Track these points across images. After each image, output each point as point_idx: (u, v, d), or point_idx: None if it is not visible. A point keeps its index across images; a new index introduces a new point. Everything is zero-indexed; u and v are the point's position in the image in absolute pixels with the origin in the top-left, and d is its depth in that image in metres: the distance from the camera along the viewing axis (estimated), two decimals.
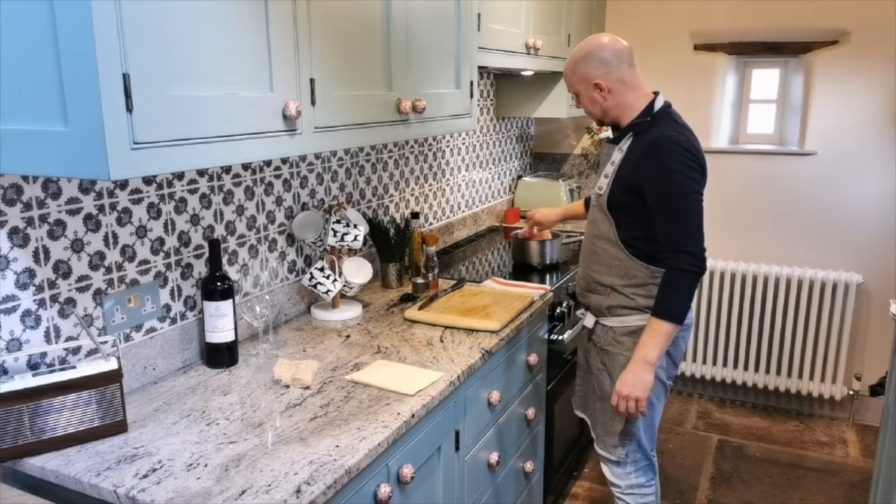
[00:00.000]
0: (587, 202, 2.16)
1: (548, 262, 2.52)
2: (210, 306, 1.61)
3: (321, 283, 1.93)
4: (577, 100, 1.88)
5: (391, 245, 2.27)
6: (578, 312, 2.07)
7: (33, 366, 1.35)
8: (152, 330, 1.58)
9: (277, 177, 1.93)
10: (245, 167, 1.82)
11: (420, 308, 2.01)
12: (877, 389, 2.43)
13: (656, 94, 1.81)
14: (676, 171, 1.69)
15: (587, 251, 1.92)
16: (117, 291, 1.50)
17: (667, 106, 1.81)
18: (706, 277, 3.45)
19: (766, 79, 3.43)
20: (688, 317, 1.83)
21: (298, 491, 1.13)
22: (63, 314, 1.40)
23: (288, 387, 1.53)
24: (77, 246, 1.41)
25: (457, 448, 1.67)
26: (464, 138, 2.98)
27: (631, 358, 1.77)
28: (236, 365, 1.66)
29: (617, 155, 1.80)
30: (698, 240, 1.70)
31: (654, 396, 1.86)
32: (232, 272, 1.80)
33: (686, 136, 1.73)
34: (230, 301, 1.63)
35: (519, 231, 2.45)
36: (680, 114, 1.82)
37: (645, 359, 1.73)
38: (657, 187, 1.71)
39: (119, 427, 1.30)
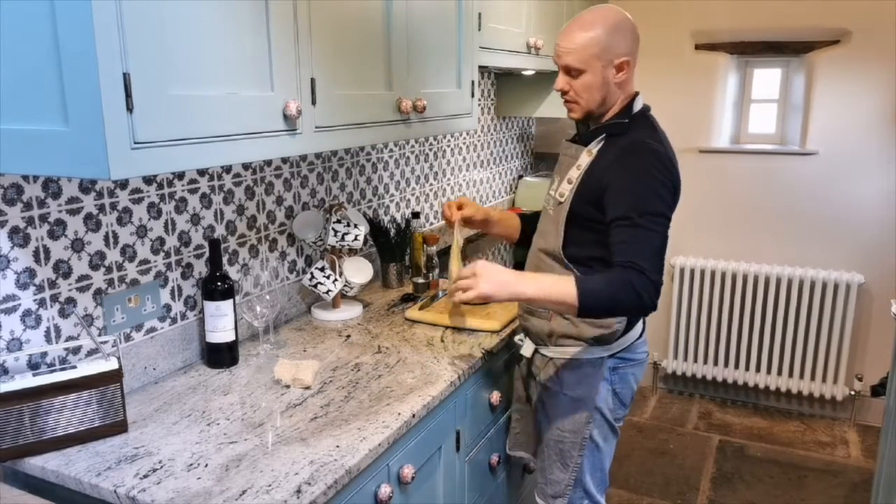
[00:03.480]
0: (525, 219, 1.89)
1: None
2: (210, 306, 1.61)
3: (322, 283, 1.93)
4: (567, 79, 1.56)
5: (392, 245, 2.27)
6: (517, 338, 1.83)
7: (34, 366, 1.35)
8: (153, 330, 1.58)
9: (278, 176, 1.93)
10: (245, 167, 1.82)
11: (421, 308, 2.01)
12: (878, 390, 2.43)
13: (636, 93, 1.62)
14: (650, 186, 1.47)
15: (531, 266, 1.70)
16: (117, 291, 1.50)
17: (646, 108, 1.61)
18: (708, 276, 3.45)
19: (767, 78, 3.43)
20: (642, 352, 1.71)
21: (299, 491, 1.13)
22: (63, 314, 1.40)
23: (288, 387, 1.52)
24: (77, 245, 1.41)
25: (457, 448, 1.67)
26: (465, 138, 2.98)
27: (573, 398, 1.62)
28: (237, 365, 1.66)
29: (585, 158, 1.57)
30: (659, 269, 1.45)
31: (601, 438, 1.67)
32: (232, 272, 1.79)
33: (666, 149, 1.54)
34: (230, 301, 1.63)
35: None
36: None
37: (520, 283, 1.44)
38: (622, 198, 1.47)
39: (119, 427, 1.30)
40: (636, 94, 1.61)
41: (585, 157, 1.58)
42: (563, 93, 1.60)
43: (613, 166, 1.51)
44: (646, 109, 1.62)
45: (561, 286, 1.42)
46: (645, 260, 1.42)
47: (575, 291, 1.40)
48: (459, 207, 1.81)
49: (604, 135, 1.57)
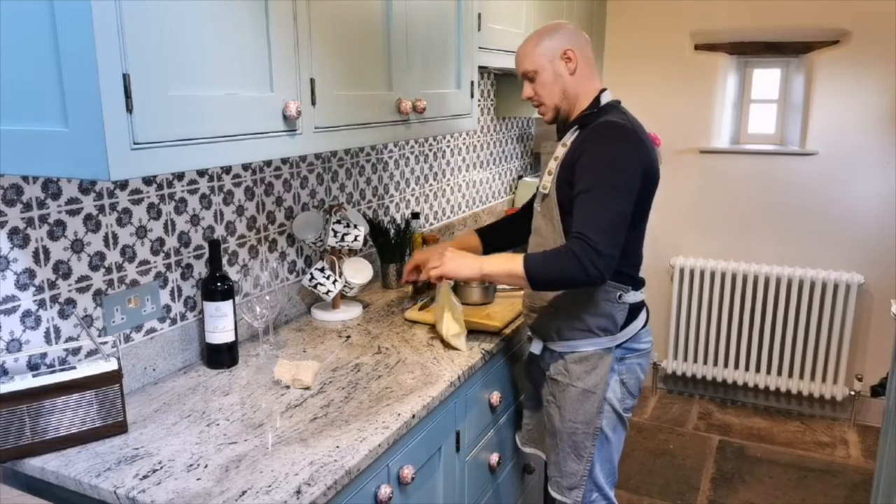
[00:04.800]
0: (482, 233, 1.99)
1: None
2: (210, 307, 1.61)
3: (321, 284, 1.93)
4: (530, 85, 1.71)
5: (391, 245, 2.27)
6: (526, 338, 1.90)
7: (33, 366, 1.35)
8: (152, 330, 1.58)
9: (277, 177, 1.93)
10: (245, 167, 1.82)
11: (420, 308, 2.01)
12: (878, 390, 2.43)
13: (603, 89, 1.69)
14: (612, 160, 1.53)
15: None
16: (117, 292, 1.50)
17: (616, 102, 1.68)
18: (708, 277, 3.45)
19: (767, 78, 3.43)
20: (646, 341, 1.74)
21: (299, 492, 1.13)
22: (63, 315, 1.39)
23: (288, 387, 1.52)
24: (77, 246, 1.41)
25: (457, 449, 1.67)
26: (464, 138, 2.98)
27: (583, 390, 1.66)
28: (236, 365, 1.65)
29: (560, 150, 1.65)
30: (609, 241, 1.48)
31: (610, 429, 1.71)
32: (232, 272, 1.79)
33: (633, 128, 1.59)
34: (230, 301, 1.62)
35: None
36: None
37: (480, 263, 1.62)
38: (585, 171, 1.54)
39: (119, 428, 1.30)
40: (603, 90, 1.69)
41: (561, 149, 1.66)
42: (531, 100, 1.73)
43: (581, 146, 1.59)
44: (615, 102, 1.68)
45: (511, 261, 1.57)
46: (592, 230, 1.49)
47: (519, 268, 1.53)
48: (418, 268, 1.86)
49: (576, 127, 1.65)
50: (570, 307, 1.66)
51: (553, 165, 1.65)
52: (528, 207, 1.95)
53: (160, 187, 1.57)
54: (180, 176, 1.63)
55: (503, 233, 2.00)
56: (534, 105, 1.74)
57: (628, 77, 3.52)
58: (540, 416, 1.86)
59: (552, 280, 1.54)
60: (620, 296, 1.65)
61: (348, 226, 1.94)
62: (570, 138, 1.65)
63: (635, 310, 1.70)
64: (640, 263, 1.72)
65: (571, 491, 1.74)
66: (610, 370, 1.67)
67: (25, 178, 1.30)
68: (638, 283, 1.70)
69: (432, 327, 1.90)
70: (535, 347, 1.79)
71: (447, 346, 1.77)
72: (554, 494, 1.78)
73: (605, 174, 1.52)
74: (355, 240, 1.93)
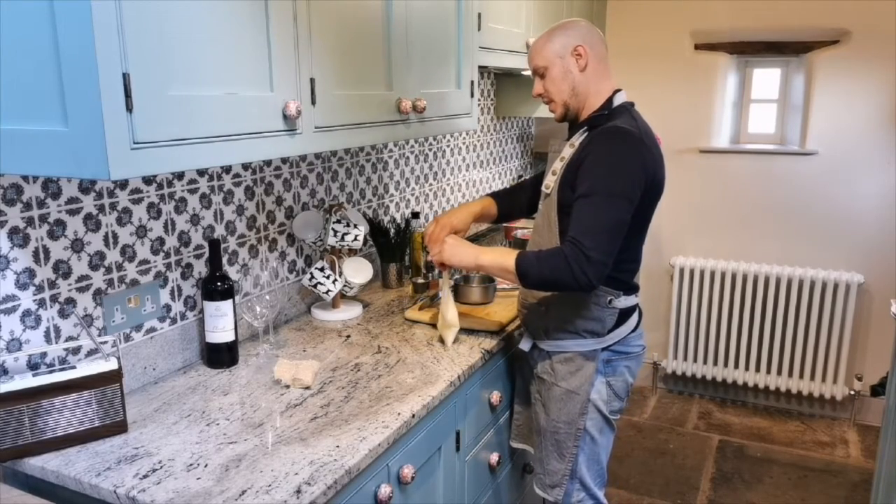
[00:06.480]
0: (497, 196, 1.97)
1: None
2: (210, 306, 1.61)
3: (321, 283, 1.93)
4: (540, 81, 1.69)
5: (391, 245, 2.27)
6: (517, 333, 1.91)
7: (33, 366, 1.35)
8: (152, 330, 1.58)
9: (277, 176, 1.93)
10: (245, 167, 1.82)
11: (420, 308, 2.01)
12: (878, 389, 2.43)
13: (617, 90, 1.67)
14: (615, 166, 1.51)
15: None
16: (117, 291, 1.50)
17: (629, 104, 1.67)
18: (708, 277, 3.45)
19: (767, 78, 3.43)
20: (636, 345, 1.74)
21: (299, 491, 1.13)
22: (63, 314, 1.39)
23: (288, 387, 1.52)
24: (77, 246, 1.41)
25: (457, 448, 1.67)
26: (464, 138, 2.98)
27: (566, 390, 1.67)
28: (236, 365, 1.66)
29: (568, 150, 1.63)
30: (603, 248, 1.47)
31: (596, 430, 1.70)
32: (232, 272, 1.79)
33: (640, 134, 1.57)
34: (230, 301, 1.63)
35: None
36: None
37: (477, 254, 1.64)
38: (587, 175, 1.53)
39: (119, 427, 1.30)
40: (617, 91, 1.67)
41: (568, 150, 1.64)
42: (541, 96, 1.71)
43: (586, 149, 1.58)
44: (628, 105, 1.66)
45: (505, 256, 1.59)
46: (586, 236, 1.48)
47: (511, 264, 1.55)
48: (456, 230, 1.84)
49: (585, 128, 1.64)
50: (560, 307, 1.67)
51: (558, 166, 1.64)
52: (540, 179, 1.91)
53: (160, 187, 1.57)
54: (180, 175, 1.63)
55: (516, 200, 1.98)
56: (544, 102, 1.72)
57: (628, 77, 3.51)
58: (529, 413, 1.87)
59: (542, 280, 1.54)
60: (611, 300, 1.65)
61: (348, 225, 1.94)
62: (578, 139, 1.63)
63: (626, 314, 1.69)
64: (638, 270, 1.72)
65: (553, 489, 1.75)
66: (595, 372, 1.67)
67: (25, 178, 1.30)
68: (631, 289, 1.69)
69: (433, 327, 1.90)
70: (525, 344, 1.79)
71: (440, 337, 1.80)
72: (538, 491, 1.79)
73: (606, 180, 1.51)
74: (355, 239, 1.93)
